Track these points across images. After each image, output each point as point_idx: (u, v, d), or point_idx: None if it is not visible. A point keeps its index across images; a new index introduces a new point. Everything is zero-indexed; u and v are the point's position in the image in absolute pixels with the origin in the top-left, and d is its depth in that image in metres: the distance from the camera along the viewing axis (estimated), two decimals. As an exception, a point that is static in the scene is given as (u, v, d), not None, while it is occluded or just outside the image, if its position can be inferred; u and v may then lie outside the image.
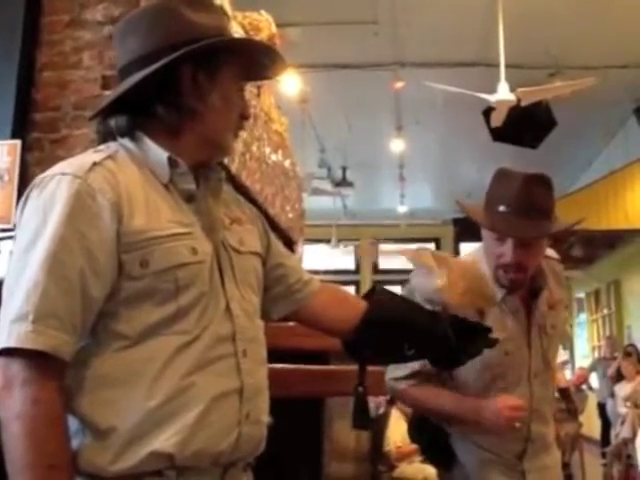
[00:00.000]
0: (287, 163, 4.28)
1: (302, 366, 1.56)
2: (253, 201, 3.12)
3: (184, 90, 1.08)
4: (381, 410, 4.79)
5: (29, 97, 2.90)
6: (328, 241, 10.27)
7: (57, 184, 0.99)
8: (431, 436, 1.79)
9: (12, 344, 0.91)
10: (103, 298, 0.98)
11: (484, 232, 1.69)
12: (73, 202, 0.97)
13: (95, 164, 1.02)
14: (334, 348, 1.40)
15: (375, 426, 4.24)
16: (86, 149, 3.01)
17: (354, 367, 1.32)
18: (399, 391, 1.76)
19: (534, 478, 1.74)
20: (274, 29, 3.56)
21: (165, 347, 0.99)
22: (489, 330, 1.32)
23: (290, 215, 4.39)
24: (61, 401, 0.94)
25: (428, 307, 1.38)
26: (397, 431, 4.36)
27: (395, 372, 1.73)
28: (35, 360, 0.91)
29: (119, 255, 0.99)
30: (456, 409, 1.70)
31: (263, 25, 3.49)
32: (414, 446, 4.31)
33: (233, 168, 2.92)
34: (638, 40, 6.25)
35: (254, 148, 3.36)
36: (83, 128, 2.80)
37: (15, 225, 1.02)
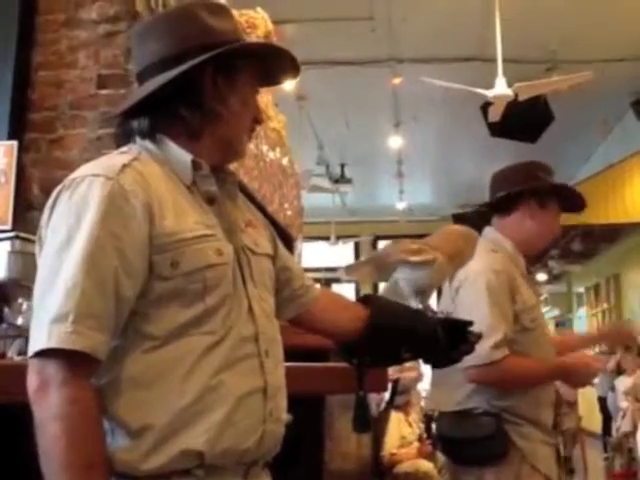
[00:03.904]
0: (285, 160, 4.28)
1: (302, 363, 1.55)
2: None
3: (206, 93, 1.10)
4: (382, 406, 4.78)
5: (25, 97, 2.88)
6: (327, 238, 10.26)
7: (89, 185, 0.99)
8: (489, 425, 1.84)
9: (53, 345, 0.91)
10: (134, 299, 0.99)
11: (546, 213, 2.02)
12: (107, 203, 0.97)
13: (125, 166, 1.03)
14: (334, 345, 1.40)
15: (375, 425, 4.23)
16: (83, 149, 2.98)
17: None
18: (497, 361, 1.79)
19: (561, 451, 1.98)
20: (270, 26, 3.55)
21: (194, 347, 1.00)
22: (471, 324, 1.35)
23: (288, 213, 4.38)
24: (97, 401, 0.94)
25: (413, 301, 1.41)
26: (394, 436, 4.34)
27: (488, 340, 1.74)
28: (73, 360, 0.92)
29: (150, 256, 1.00)
30: (551, 370, 1.91)
31: (259, 22, 3.48)
32: (410, 451, 4.31)
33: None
34: (635, 34, 6.25)
35: (251, 146, 3.36)
36: (80, 128, 2.79)
37: (41, 225, 1.02)
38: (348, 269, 1.52)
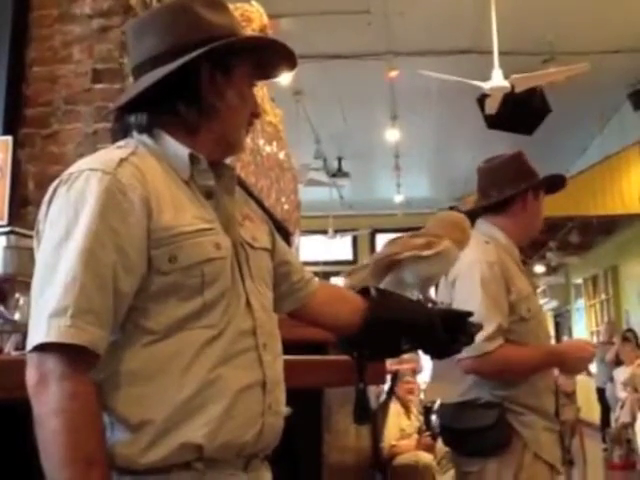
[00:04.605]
0: (282, 155, 4.27)
1: (300, 357, 1.55)
2: (248, 193, 3.11)
3: (203, 88, 1.09)
4: (382, 398, 4.78)
5: (20, 93, 2.88)
6: (325, 232, 10.26)
7: (86, 180, 0.99)
8: (492, 414, 1.85)
9: (52, 339, 0.91)
10: (133, 294, 0.99)
11: (536, 202, 2.04)
12: (104, 198, 0.97)
13: (122, 160, 1.02)
14: (333, 338, 1.40)
15: (374, 418, 4.23)
16: (78, 144, 2.97)
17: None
18: (490, 352, 1.80)
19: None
20: (265, 20, 3.54)
21: (192, 341, 1.00)
22: (471, 315, 1.36)
23: (286, 207, 4.38)
24: (96, 395, 0.94)
25: (415, 292, 1.42)
26: (394, 427, 4.35)
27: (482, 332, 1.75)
28: (72, 355, 0.91)
29: (149, 251, 0.99)
30: (544, 357, 1.92)
31: (254, 16, 3.47)
32: (410, 443, 4.32)
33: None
34: (631, 25, 6.25)
35: (248, 140, 3.34)
36: (75, 123, 2.79)
37: (39, 220, 1.02)
38: (349, 274, 1.52)
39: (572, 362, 1.94)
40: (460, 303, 1.75)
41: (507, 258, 1.97)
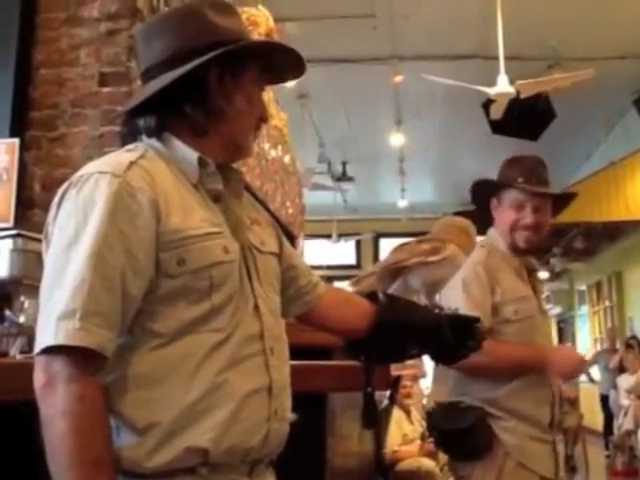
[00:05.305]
0: (287, 158, 4.28)
1: (305, 362, 1.55)
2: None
3: (212, 91, 1.10)
4: (384, 403, 4.78)
5: (26, 95, 2.89)
6: (329, 236, 10.26)
7: (96, 183, 0.99)
8: (470, 417, 1.85)
9: (60, 341, 0.91)
10: (141, 296, 0.99)
11: (501, 208, 2.02)
12: (114, 201, 0.97)
13: (132, 163, 1.03)
14: (337, 343, 1.40)
15: (378, 422, 4.23)
16: (85, 147, 2.97)
17: (356, 362, 1.34)
18: None
19: (561, 449, 1.94)
20: (272, 24, 3.55)
21: (201, 345, 1.00)
22: (478, 320, 1.37)
23: (290, 210, 4.38)
24: (104, 398, 0.94)
25: (422, 298, 1.42)
26: (396, 434, 4.34)
27: None
28: (79, 357, 0.92)
29: (157, 254, 1.00)
30: (525, 354, 1.91)
31: (261, 20, 3.48)
32: (412, 449, 4.31)
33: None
34: (636, 30, 6.24)
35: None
36: (81, 126, 2.80)
37: (48, 222, 1.02)
38: (355, 282, 1.52)
39: (559, 365, 1.91)
40: (446, 304, 1.77)
41: (498, 262, 1.98)
